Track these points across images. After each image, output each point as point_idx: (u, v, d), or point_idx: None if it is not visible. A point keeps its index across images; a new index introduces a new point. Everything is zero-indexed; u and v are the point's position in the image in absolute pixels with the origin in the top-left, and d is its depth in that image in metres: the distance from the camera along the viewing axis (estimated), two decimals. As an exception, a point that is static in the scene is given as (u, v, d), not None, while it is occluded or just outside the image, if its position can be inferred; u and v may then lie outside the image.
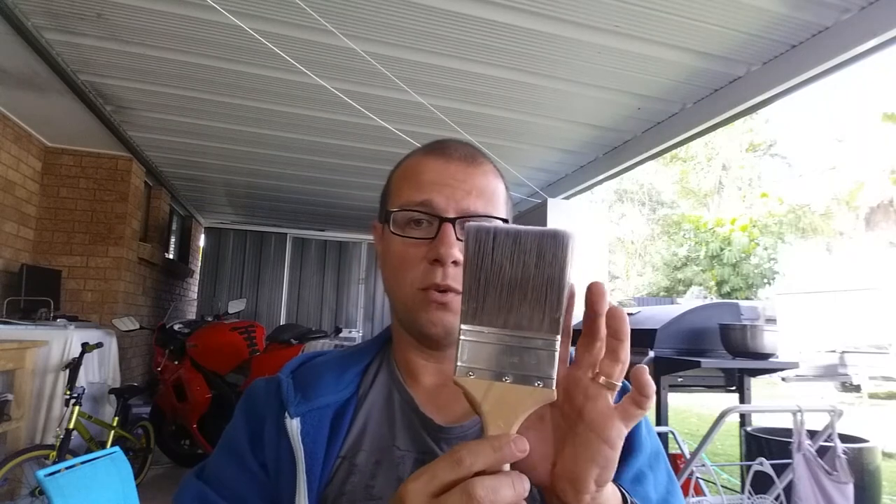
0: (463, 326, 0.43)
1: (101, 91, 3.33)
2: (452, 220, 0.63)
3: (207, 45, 2.74)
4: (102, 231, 4.56)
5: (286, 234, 7.23)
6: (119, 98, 3.42)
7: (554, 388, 0.42)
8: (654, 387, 0.42)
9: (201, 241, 7.35)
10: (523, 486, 0.39)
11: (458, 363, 0.43)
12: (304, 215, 6.60)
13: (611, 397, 0.43)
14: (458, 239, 0.63)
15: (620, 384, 0.43)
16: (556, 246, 0.44)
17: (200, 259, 7.35)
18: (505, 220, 0.67)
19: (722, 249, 17.53)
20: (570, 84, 3.01)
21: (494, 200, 0.68)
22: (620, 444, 0.42)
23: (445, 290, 0.62)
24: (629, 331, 0.43)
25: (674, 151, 9.70)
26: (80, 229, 4.50)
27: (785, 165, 21.91)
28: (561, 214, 3.97)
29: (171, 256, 6.56)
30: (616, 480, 0.61)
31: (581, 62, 2.77)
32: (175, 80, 3.13)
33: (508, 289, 0.43)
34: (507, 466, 0.40)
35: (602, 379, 0.43)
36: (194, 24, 2.55)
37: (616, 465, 0.42)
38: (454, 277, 0.62)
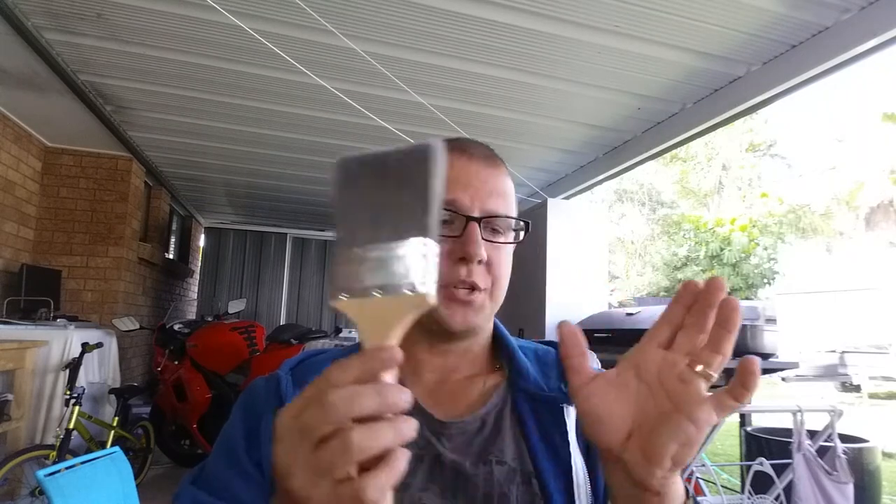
0: (336, 250, 0.43)
1: (101, 91, 3.33)
2: (478, 220, 0.64)
3: (207, 45, 2.74)
4: (102, 231, 4.55)
5: (286, 234, 7.23)
6: (119, 98, 3.42)
7: (427, 292, 0.40)
8: (758, 381, 0.40)
9: (201, 241, 7.35)
10: (392, 396, 0.35)
11: (332, 285, 0.42)
12: (304, 215, 6.60)
13: (705, 386, 0.42)
14: (483, 239, 0.64)
15: (717, 376, 0.42)
16: (420, 158, 0.42)
17: (200, 259, 7.35)
18: (526, 222, 0.69)
19: (722, 249, 17.52)
20: (570, 84, 3.01)
21: (510, 202, 0.69)
22: (706, 428, 0.41)
23: (471, 287, 0.64)
24: (739, 323, 0.42)
25: (674, 151, 9.70)
26: (80, 229, 4.50)
27: (785, 165, 21.91)
28: (561, 214, 3.97)
29: (171, 256, 6.56)
30: None
31: (581, 62, 2.77)
32: (175, 80, 3.13)
33: (378, 207, 0.42)
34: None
35: (700, 368, 0.42)
36: (194, 24, 2.55)
37: (698, 449, 0.41)
38: (479, 275, 0.64)
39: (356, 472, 0.34)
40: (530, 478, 0.61)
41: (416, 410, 0.65)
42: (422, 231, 0.41)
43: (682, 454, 0.41)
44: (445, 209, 0.64)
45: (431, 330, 0.66)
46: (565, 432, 0.63)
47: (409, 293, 0.40)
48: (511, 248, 0.69)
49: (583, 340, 0.45)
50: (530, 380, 0.68)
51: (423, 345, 0.69)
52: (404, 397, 0.36)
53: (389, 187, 0.42)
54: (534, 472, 0.62)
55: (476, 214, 0.64)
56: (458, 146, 0.70)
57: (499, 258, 0.66)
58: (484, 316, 0.66)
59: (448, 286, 0.63)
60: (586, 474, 0.62)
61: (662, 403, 0.42)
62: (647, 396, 0.43)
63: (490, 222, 0.66)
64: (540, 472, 0.61)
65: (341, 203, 0.43)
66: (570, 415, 0.65)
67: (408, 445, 0.64)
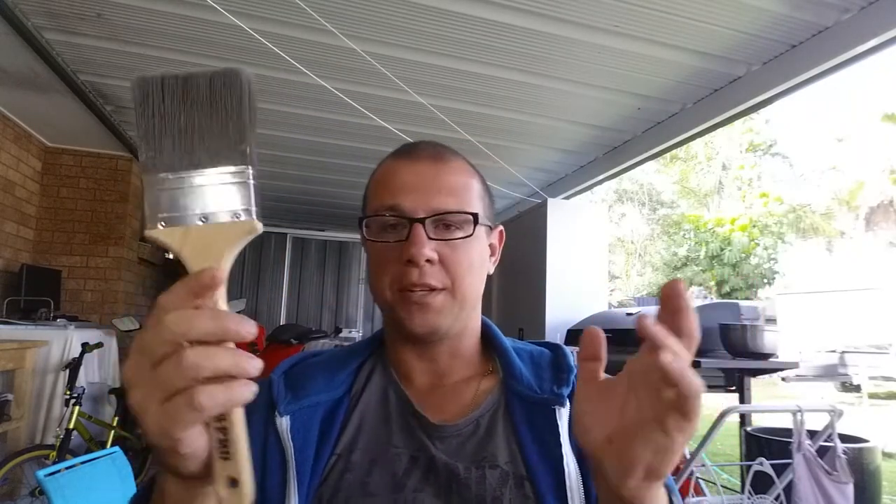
0: (145, 177, 0.41)
1: (101, 91, 3.33)
2: (422, 220, 0.64)
3: (207, 45, 2.74)
4: (102, 231, 4.55)
5: (286, 234, 7.23)
6: (119, 98, 3.42)
7: (254, 218, 0.40)
8: (693, 387, 0.39)
9: (201, 241, 7.34)
10: (225, 320, 0.36)
11: (150, 216, 0.40)
12: (304, 215, 6.60)
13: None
14: (429, 238, 0.64)
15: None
16: (229, 82, 0.42)
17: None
18: (475, 215, 0.67)
19: (722, 249, 17.53)
20: (571, 84, 3.01)
21: (466, 196, 0.68)
22: (678, 437, 0.40)
23: (423, 288, 0.63)
24: (696, 331, 0.41)
25: (674, 151, 9.70)
26: (80, 229, 4.50)
27: (785, 165, 21.91)
28: (561, 214, 3.97)
29: (171, 256, 6.55)
30: None
31: (581, 62, 2.77)
32: (175, 80, 3.12)
33: (187, 131, 0.41)
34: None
35: None
36: (194, 24, 2.55)
37: (673, 460, 0.40)
38: (431, 275, 0.63)
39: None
40: (523, 481, 0.61)
41: (411, 413, 0.66)
42: (240, 158, 0.40)
43: (656, 464, 0.40)
44: (391, 214, 0.65)
45: (406, 335, 0.67)
46: (557, 435, 0.63)
47: (236, 220, 0.40)
48: (473, 244, 0.67)
49: (601, 347, 0.45)
50: (523, 382, 0.67)
51: (408, 350, 0.69)
52: (244, 326, 0.37)
53: (199, 111, 0.41)
54: (527, 475, 0.61)
55: (420, 215, 0.64)
56: (405, 151, 0.70)
57: (455, 256, 0.65)
58: (448, 316, 0.65)
59: (403, 290, 0.64)
60: (579, 477, 0.61)
61: (642, 411, 0.41)
62: (631, 404, 0.42)
63: (441, 220, 0.65)
64: (533, 475, 0.61)
65: (145, 125, 0.41)
66: (563, 417, 0.64)
67: (403, 448, 0.61)
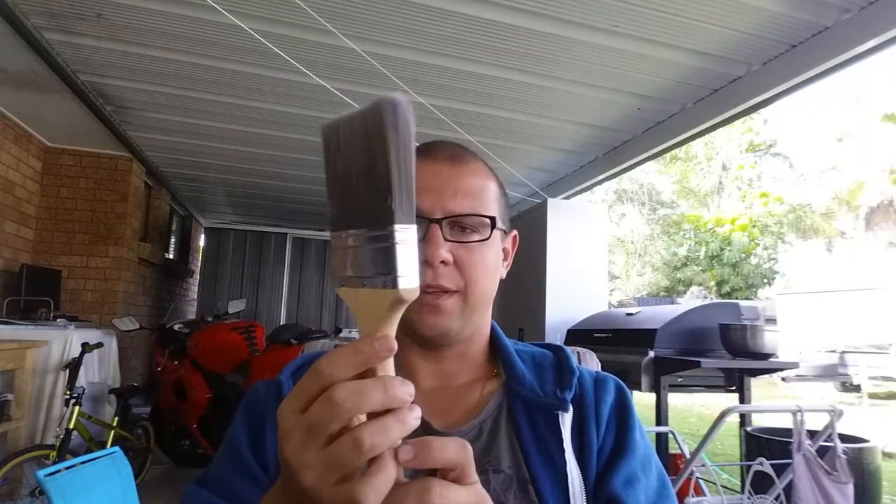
0: (332, 234, 0.39)
1: (101, 91, 3.33)
2: (439, 221, 0.63)
3: (207, 45, 2.74)
4: (102, 231, 4.55)
5: (286, 234, 7.23)
6: (119, 98, 3.42)
7: (400, 285, 0.36)
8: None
9: (201, 241, 7.35)
10: (397, 389, 0.35)
11: (335, 274, 0.40)
12: (304, 215, 6.60)
13: None
14: (445, 239, 0.63)
15: None
16: (378, 119, 0.36)
17: (200, 259, 7.35)
18: (493, 219, 0.66)
19: (722, 249, 17.53)
20: (571, 84, 3.01)
21: (483, 199, 0.67)
22: None
23: (436, 290, 0.63)
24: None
25: (674, 151, 9.70)
26: (80, 229, 4.50)
27: (785, 166, 21.91)
28: (561, 214, 3.97)
29: (171, 256, 6.56)
30: (608, 482, 0.60)
31: (581, 62, 2.77)
32: (175, 80, 3.13)
33: (354, 184, 0.38)
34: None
35: None
36: (194, 24, 2.55)
37: None
38: (445, 277, 0.63)
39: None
40: (527, 486, 0.61)
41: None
42: (385, 217, 0.36)
43: None
44: None
45: (414, 336, 0.66)
46: (560, 439, 0.63)
47: (385, 287, 0.37)
48: (488, 247, 0.67)
49: None
50: (526, 385, 0.67)
51: (415, 351, 0.69)
52: (408, 390, 0.36)
53: (358, 162, 0.37)
54: (530, 479, 0.61)
55: (437, 216, 0.63)
56: (423, 150, 0.69)
57: (470, 258, 0.65)
58: (459, 319, 0.65)
59: None
60: (582, 481, 0.61)
61: None
62: None
63: (457, 221, 0.65)
64: (536, 479, 0.61)
65: (330, 176, 0.39)
66: (566, 422, 0.64)
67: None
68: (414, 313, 0.63)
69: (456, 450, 0.37)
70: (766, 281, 17.43)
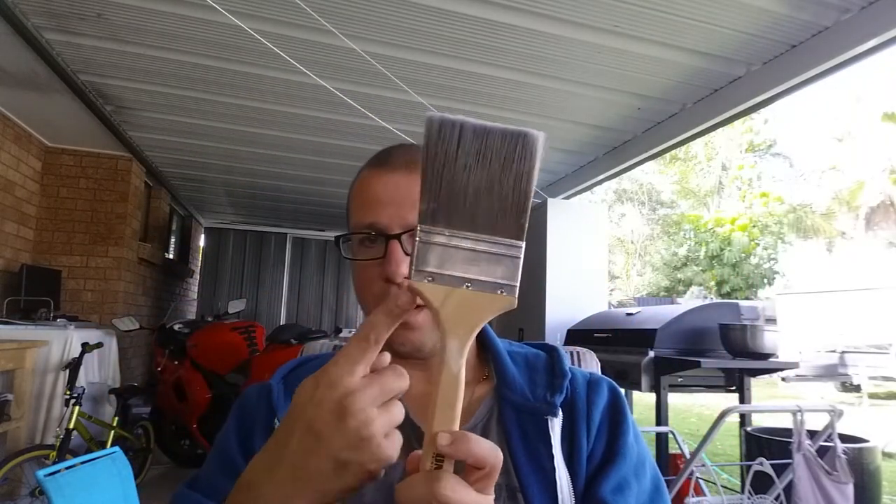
0: (421, 226, 0.40)
1: (101, 91, 3.33)
2: (398, 236, 0.62)
3: (207, 45, 2.74)
4: (102, 231, 4.55)
5: (286, 234, 7.23)
6: (119, 98, 3.42)
7: (514, 296, 0.40)
8: None
9: (201, 241, 7.35)
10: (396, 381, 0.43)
11: (415, 267, 0.40)
12: (304, 215, 6.60)
13: None
14: (406, 254, 0.62)
15: None
16: (524, 147, 0.39)
17: (200, 259, 7.35)
18: None
19: (722, 249, 17.53)
20: (570, 84, 3.01)
21: None
22: None
23: None
24: None
25: (674, 151, 9.69)
26: (80, 229, 4.50)
27: (785, 166, 21.91)
28: (561, 214, 3.97)
29: (171, 256, 6.56)
30: (597, 489, 0.59)
31: (581, 62, 2.77)
32: (175, 80, 3.13)
33: (472, 189, 0.39)
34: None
35: None
36: (194, 24, 2.55)
37: None
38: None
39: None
40: (515, 493, 0.60)
41: (406, 424, 0.65)
42: (517, 232, 0.40)
43: None
44: (365, 233, 0.64)
45: (391, 351, 0.66)
46: (550, 446, 0.62)
47: (499, 294, 0.40)
48: None
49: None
50: (516, 389, 0.66)
51: (402, 361, 0.69)
52: (404, 380, 0.44)
53: (489, 172, 0.40)
54: (519, 487, 0.60)
55: (396, 231, 0.62)
56: (377, 160, 0.68)
57: None
58: (433, 332, 0.63)
59: None
60: (571, 488, 0.60)
61: None
62: None
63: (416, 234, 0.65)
64: (525, 487, 0.60)
65: (431, 169, 0.40)
66: (555, 428, 0.63)
67: (401, 458, 0.64)
68: None
69: (489, 449, 0.39)
70: (766, 281, 17.43)
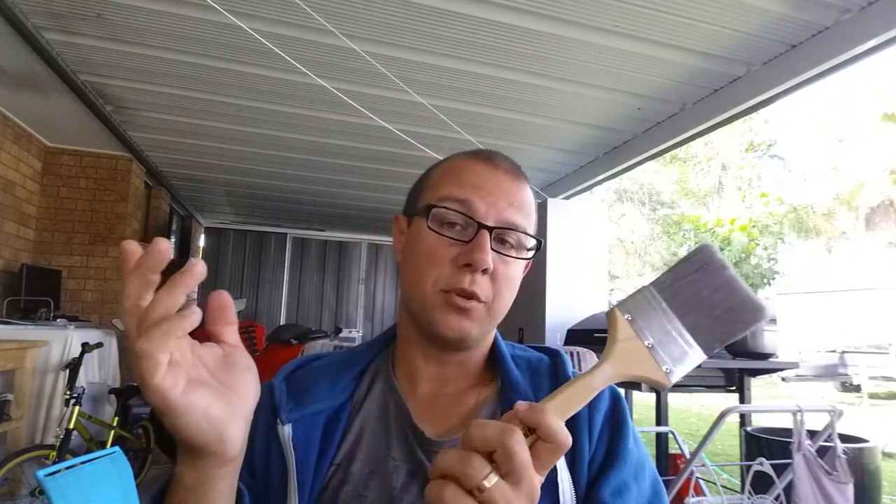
0: (652, 286, 0.49)
1: (101, 91, 3.33)
2: (490, 229, 0.62)
3: (207, 45, 2.74)
4: (102, 231, 4.55)
5: (286, 234, 7.23)
6: (119, 98, 3.42)
7: (669, 382, 0.47)
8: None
9: (201, 241, 7.35)
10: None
11: (632, 311, 0.48)
12: (304, 215, 6.60)
13: None
14: (491, 249, 0.62)
15: None
16: (752, 313, 0.49)
17: (200, 259, 7.33)
18: (539, 240, 0.67)
19: (722, 249, 17.52)
20: (570, 84, 3.01)
21: (531, 218, 0.68)
22: None
23: (470, 296, 0.62)
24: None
25: (674, 151, 9.69)
26: (80, 229, 4.50)
27: (785, 166, 21.90)
28: (561, 214, 3.97)
29: (171, 256, 6.55)
30: (597, 492, 0.60)
31: (581, 62, 2.77)
32: (175, 80, 3.13)
33: (702, 302, 0.49)
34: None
35: None
36: (194, 24, 2.55)
37: None
38: (480, 285, 0.62)
39: None
40: None
41: (409, 427, 0.65)
42: (708, 347, 0.48)
43: None
44: (458, 212, 0.63)
45: (427, 337, 0.66)
46: None
47: (663, 369, 0.47)
48: (520, 265, 0.67)
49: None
50: (520, 393, 0.66)
51: (419, 354, 0.68)
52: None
53: (721, 304, 0.49)
54: None
55: (490, 223, 0.63)
56: (483, 154, 0.69)
57: (505, 271, 0.64)
58: (479, 328, 0.64)
59: (448, 291, 0.62)
60: (573, 491, 0.60)
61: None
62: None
63: (502, 233, 0.64)
64: None
65: (684, 271, 0.50)
66: None
67: (401, 461, 0.62)
68: (439, 313, 0.63)
69: (559, 427, 0.41)
70: (766, 281, 17.42)
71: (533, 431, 0.41)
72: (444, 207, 0.64)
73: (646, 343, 0.47)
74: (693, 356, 0.48)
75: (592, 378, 0.45)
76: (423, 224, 0.65)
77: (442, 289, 0.62)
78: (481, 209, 0.63)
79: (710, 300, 0.49)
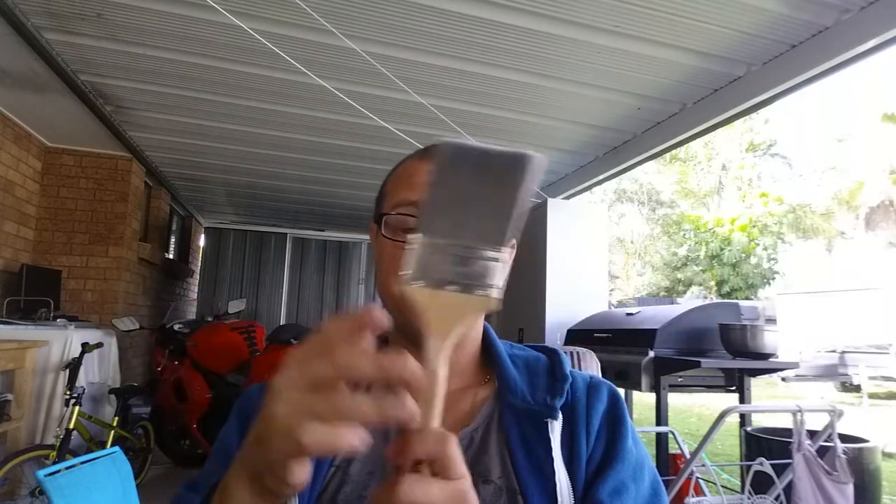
0: (418, 237, 0.43)
1: (101, 91, 3.33)
2: None
3: (207, 45, 2.74)
4: (102, 231, 4.55)
5: (286, 234, 7.23)
6: (119, 98, 3.42)
7: (496, 296, 0.43)
8: None
9: (201, 241, 7.35)
10: (392, 362, 0.36)
11: (407, 271, 0.43)
12: (304, 215, 6.60)
13: None
14: None
15: None
16: (522, 167, 0.43)
17: (200, 259, 7.35)
18: None
19: (722, 249, 17.53)
20: (570, 84, 3.01)
21: None
22: None
23: None
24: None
25: (674, 151, 9.70)
26: (80, 229, 4.50)
27: (785, 166, 21.91)
28: (561, 214, 3.97)
29: (171, 256, 6.56)
30: (595, 492, 0.60)
31: (581, 62, 2.77)
32: (175, 80, 3.13)
33: (470, 206, 0.43)
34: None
35: None
36: (194, 24, 2.55)
37: None
38: None
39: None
40: (516, 496, 0.60)
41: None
42: (503, 238, 0.43)
43: None
44: (411, 215, 0.64)
45: (412, 336, 0.65)
46: (549, 449, 0.62)
47: (483, 294, 0.43)
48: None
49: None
50: (517, 393, 0.66)
51: (410, 354, 0.68)
52: (405, 364, 0.37)
53: (484, 187, 0.43)
54: (519, 490, 0.60)
55: None
56: (426, 153, 0.69)
57: None
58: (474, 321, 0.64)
59: None
60: (571, 490, 0.60)
61: None
62: None
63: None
64: (525, 490, 0.60)
65: (434, 189, 0.44)
66: (555, 430, 0.63)
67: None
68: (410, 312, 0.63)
69: (433, 441, 0.38)
70: (766, 281, 17.42)
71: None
72: (396, 214, 0.65)
73: (448, 288, 0.43)
74: (495, 259, 0.43)
75: (426, 361, 0.41)
76: (380, 232, 0.66)
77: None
78: None
79: (468, 197, 0.43)
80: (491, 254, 0.43)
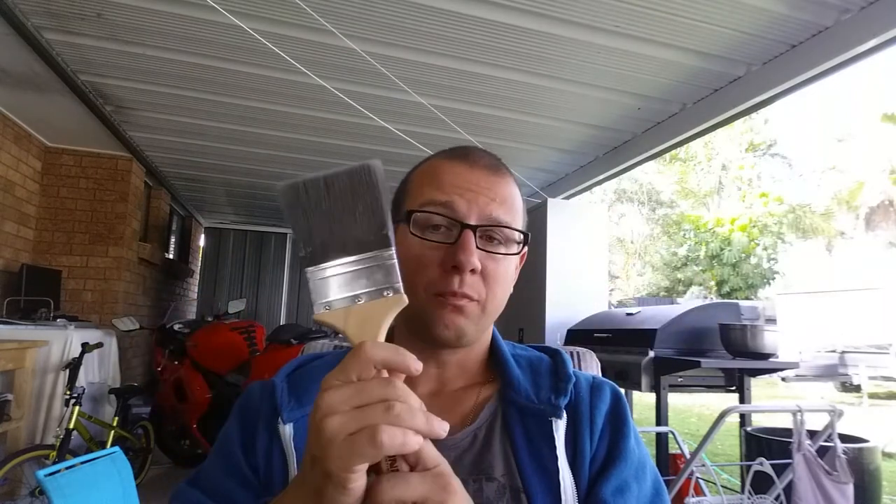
0: (308, 269, 0.47)
1: (101, 91, 3.33)
2: (474, 228, 0.62)
3: (207, 45, 2.74)
4: (102, 231, 4.55)
5: (286, 234, 7.23)
6: (119, 98, 3.42)
7: (401, 293, 0.47)
8: None
9: (201, 241, 7.35)
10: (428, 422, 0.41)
11: (315, 302, 0.47)
12: (304, 215, 6.59)
13: None
14: (478, 248, 0.62)
15: None
16: (365, 176, 0.48)
17: (200, 259, 7.35)
18: (525, 234, 0.67)
19: (722, 249, 17.53)
20: (570, 84, 3.01)
21: (515, 212, 0.67)
22: None
23: (462, 297, 0.62)
24: None
25: (674, 151, 9.70)
26: (80, 229, 4.50)
27: (785, 166, 21.90)
28: (561, 214, 3.97)
29: (171, 256, 6.56)
30: (598, 491, 0.60)
31: (581, 62, 2.77)
32: (175, 80, 3.13)
33: (335, 225, 0.47)
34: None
35: None
36: (194, 24, 2.55)
37: None
38: (471, 285, 0.62)
39: None
40: (519, 494, 0.60)
41: None
42: (384, 242, 0.47)
43: None
44: (440, 214, 0.63)
45: (424, 338, 0.65)
46: (553, 447, 0.62)
47: (391, 295, 0.47)
48: (512, 260, 0.67)
49: None
50: (521, 392, 0.66)
51: (417, 353, 0.68)
52: (388, 388, 0.42)
53: (342, 208, 0.47)
54: (523, 488, 0.60)
55: (472, 222, 0.62)
56: (460, 153, 0.69)
57: (495, 269, 0.64)
58: (475, 325, 0.64)
59: (439, 295, 0.62)
60: (575, 489, 0.60)
61: None
62: None
63: (488, 231, 0.64)
64: (528, 487, 0.60)
65: (297, 225, 0.48)
66: (559, 429, 0.63)
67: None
68: (434, 315, 0.62)
69: (390, 441, 0.40)
70: (766, 281, 17.43)
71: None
72: (425, 212, 0.64)
73: (356, 303, 0.46)
74: (385, 261, 0.47)
75: (369, 363, 0.45)
76: (407, 230, 0.65)
77: (434, 293, 0.62)
78: (462, 209, 0.63)
79: (333, 218, 0.47)
80: (382, 257, 0.47)
